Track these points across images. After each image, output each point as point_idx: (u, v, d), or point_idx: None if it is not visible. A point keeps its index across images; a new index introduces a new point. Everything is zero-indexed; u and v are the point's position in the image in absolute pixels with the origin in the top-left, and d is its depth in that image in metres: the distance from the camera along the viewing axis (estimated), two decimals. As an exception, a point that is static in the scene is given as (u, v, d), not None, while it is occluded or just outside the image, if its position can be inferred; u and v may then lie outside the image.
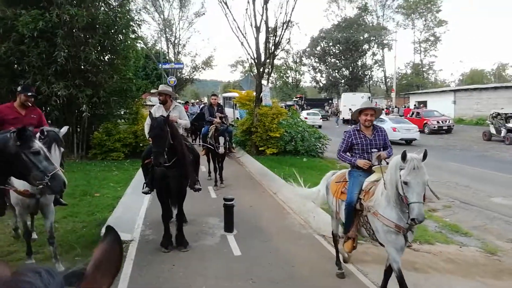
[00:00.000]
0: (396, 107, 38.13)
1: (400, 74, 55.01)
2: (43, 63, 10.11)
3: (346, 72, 55.67)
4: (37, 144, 2.92)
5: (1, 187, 3.15)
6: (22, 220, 4.26)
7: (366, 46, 53.71)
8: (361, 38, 51.85)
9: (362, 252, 4.94)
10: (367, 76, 56.42)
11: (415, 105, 34.80)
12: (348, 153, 4.12)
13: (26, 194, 3.78)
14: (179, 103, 15.13)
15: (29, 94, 4.55)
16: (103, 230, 3.80)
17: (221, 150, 8.23)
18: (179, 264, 4.59)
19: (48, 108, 11.16)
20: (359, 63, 54.82)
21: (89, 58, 10.50)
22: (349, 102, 32.59)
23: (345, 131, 4.30)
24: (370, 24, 53.54)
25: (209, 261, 4.71)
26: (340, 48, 54.53)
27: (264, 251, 5.01)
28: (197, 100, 19.81)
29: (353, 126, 4.50)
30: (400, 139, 18.04)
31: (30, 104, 4.57)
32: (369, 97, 34.44)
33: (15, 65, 10.16)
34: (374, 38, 51.75)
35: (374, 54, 54.48)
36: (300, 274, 4.37)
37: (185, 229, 5.40)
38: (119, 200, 6.99)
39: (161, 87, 5.91)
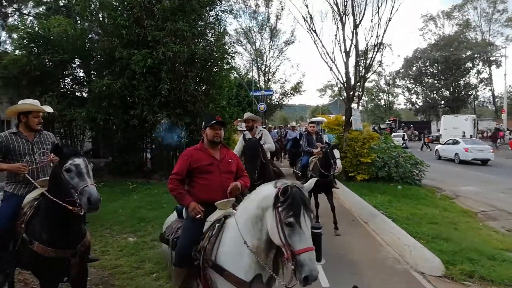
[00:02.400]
0: (508, 129, 33.85)
1: (512, 92, 49.05)
2: (150, 95, 11.33)
3: (446, 93, 51.36)
4: (71, 161, 2.78)
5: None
6: None
7: (469, 64, 49.12)
8: (463, 56, 47.65)
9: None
10: (471, 96, 51.24)
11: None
12: None
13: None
14: (264, 127, 15.51)
15: (214, 122, 3.14)
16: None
17: (339, 165, 7.06)
18: (266, 291, 4.58)
19: (153, 135, 12.40)
20: (461, 82, 50.21)
21: (188, 90, 11.49)
22: (451, 125, 29.97)
23: None
24: (473, 41, 49.00)
25: (296, 290, 4.61)
26: (439, 67, 50.78)
27: (354, 284, 4.74)
28: (288, 124, 19.74)
29: None
30: (472, 159, 19.37)
31: (219, 140, 3.18)
32: (474, 119, 31.26)
33: (128, 98, 11.55)
34: (478, 55, 47.16)
35: (479, 72, 49.47)
36: (394, 314, 4.03)
37: (273, 256, 5.40)
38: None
39: (247, 115, 6.26)
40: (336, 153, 7.13)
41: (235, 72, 19.80)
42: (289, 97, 35.53)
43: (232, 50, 13.98)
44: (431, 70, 52.91)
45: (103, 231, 6.75)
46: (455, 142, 20.94)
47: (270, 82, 34.91)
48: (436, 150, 22.79)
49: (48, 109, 3.55)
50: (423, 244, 6.04)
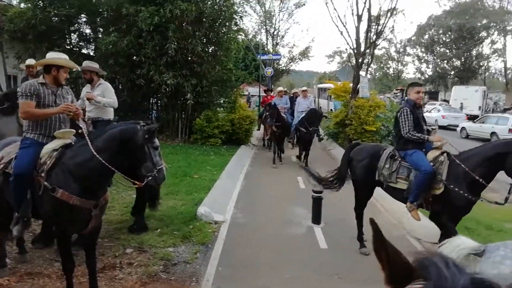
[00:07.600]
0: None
1: (525, 65, 47.82)
2: (156, 55, 11.21)
3: (457, 63, 50.15)
4: (157, 141, 3.21)
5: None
6: None
7: (483, 34, 47.56)
8: (478, 24, 46.05)
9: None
10: (483, 67, 50.07)
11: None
12: None
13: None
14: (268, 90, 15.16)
15: None
16: (200, 209, 4.15)
17: None
18: (266, 250, 4.78)
19: (159, 95, 12.38)
20: (474, 52, 48.87)
21: (195, 50, 11.32)
22: (461, 96, 29.43)
23: None
24: (490, 8, 47.18)
25: (295, 250, 4.81)
26: (452, 36, 49.23)
27: (351, 248, 4.92)
28: (295, 90, 17.96)
29: None
30: (448, 125, 21.58)
31: None
32: (484, 91, 30.65)
33: (134, 57, 11.42)
34: (494, 24, 45.56)
35: (493, 42, 47.97)
36: (388, 276, 4.21)
37: (272, 217, 5.57)
38: (215, 183, 7.48)
39: (85, 64, 5.27)
40: None
41: (243, 34, 19.38)
42: (296, 62, 34.91)
43: (241, 10, 13.64)
44: (444, 39, 51.39)
45: (109, 188, 6.93)
46: (438, 110, 24.59)
47: (278, 46, 34.19)
48: None
49: (77, 66, 3.85)
50: (421, 211, 6.17)
